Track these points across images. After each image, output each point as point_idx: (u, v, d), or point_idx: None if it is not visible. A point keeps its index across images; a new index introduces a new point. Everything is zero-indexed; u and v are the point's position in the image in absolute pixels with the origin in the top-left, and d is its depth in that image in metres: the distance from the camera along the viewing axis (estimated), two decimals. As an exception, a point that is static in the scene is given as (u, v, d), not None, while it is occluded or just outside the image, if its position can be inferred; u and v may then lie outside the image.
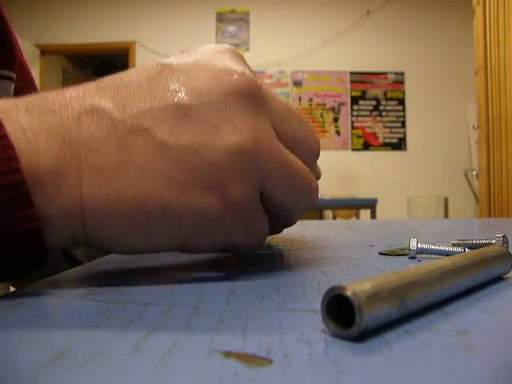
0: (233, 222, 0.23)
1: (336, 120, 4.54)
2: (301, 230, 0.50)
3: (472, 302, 0.19)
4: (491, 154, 2.28)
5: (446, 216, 3.81)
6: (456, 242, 0.33)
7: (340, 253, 0.33)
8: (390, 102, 4.57)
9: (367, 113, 4.57)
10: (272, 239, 0.42)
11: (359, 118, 4.56)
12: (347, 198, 3.76)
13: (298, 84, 4.55)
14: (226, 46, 0.25)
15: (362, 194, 4.23)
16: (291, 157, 0.24)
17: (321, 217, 4.32)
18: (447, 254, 0.28)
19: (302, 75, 4.55)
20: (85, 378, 0.11)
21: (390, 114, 4.57)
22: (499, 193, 2.23)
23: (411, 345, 0.13)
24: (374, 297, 0.14)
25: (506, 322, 0.16)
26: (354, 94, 4.57)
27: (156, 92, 0.21)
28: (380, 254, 0.32)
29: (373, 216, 3.31)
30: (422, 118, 4.52)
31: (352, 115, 4.55)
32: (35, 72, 4.43)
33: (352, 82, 4.56)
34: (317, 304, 0.17)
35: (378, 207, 3.44)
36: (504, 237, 0.30)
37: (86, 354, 0.12)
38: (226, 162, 0.21)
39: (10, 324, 0.16)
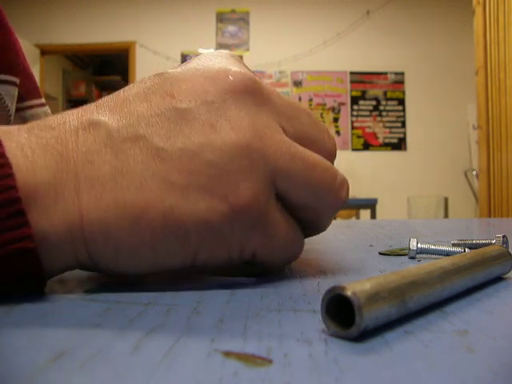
0: (244, 227, 0.21)
1: (336, 120, 4.54)
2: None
3: (472, 301, 0.19)
4: (491, 154, 2.28)
5: (446, 216, 3.81)
6: (456, 242, 0.33)
7: (340, 253, 0.33)
8: (389, 102, 4.57)
9: (367, 113, 4.57)
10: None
11: (359, 118, 4.56)
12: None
13: (298, 84, 4.55)
14: (224, 51, 0.25)
15: (362, 194, 4.22)
16: (304, 150, 0.22)
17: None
18: (447, 253, 0.28)
19: (302, 75, 4.55)
20: (85, 378, 0.11)
21: (390, 113, 4.57)
22: (499, 193, 2.23)
23: (411, 345, 0.13)
24: (374, 297, 0.14)
25: (506, 321, 0.16)
26: (354, 93, 4.57)
27: (152, 100, 0.21)
28: (380, 253, 0.32)
29: (373, 216, 3.31)
30: (422, 117, 4.52)
31: (352, 115, 4.55)
32: (35, 72, 4.43)
33: (352, 82, 4.56)
34: (317, 304, 0.17)
35: (378, 207, 3.43)
36: (504, 237, 0.30)
37: (85, 354, 0.12)
38: (226, 160, 0.20)
39: (10, 324, 0.16)
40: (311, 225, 0.25)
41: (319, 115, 4.50)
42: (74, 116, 0.21)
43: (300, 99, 4.52)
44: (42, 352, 0.13)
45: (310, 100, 4.54)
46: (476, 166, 3.21)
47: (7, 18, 0.44)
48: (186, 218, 0.20)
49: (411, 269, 0.17)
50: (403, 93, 4.56)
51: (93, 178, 0.19)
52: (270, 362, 0.12)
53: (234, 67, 0.23)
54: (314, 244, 0.39)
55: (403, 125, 4.55)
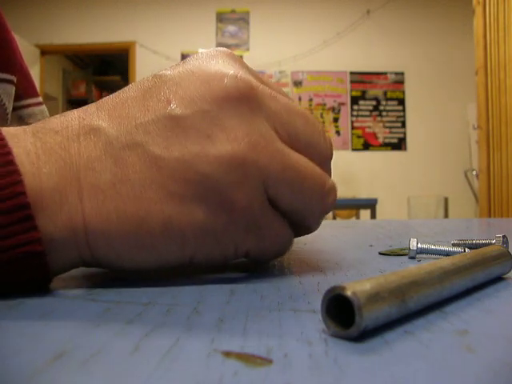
0: (238, 231, 0.22)
1: (336, 120, 4.54)
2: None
3: (472, 302, 0.19)
4: (491, 154, 2.28)
5: (446, 216, 3.81)
6: (456, 242, 0.33)
7: (340, 253, 0.33)
8: (389, 102, 4.57)
9: (367, 113, 4.57)
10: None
11: (359, 118, 4.55)
12: (347, 198, 3.75)
13: (298, 84, 4.55)
14: (222, 49, 0.25)
15: (362, 194, 4.23)
16: (297, 159, 0.23)
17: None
18: (447, 254, 0.28)
19: (302, 75, 4.55)
20: (85, 378, 0.11)
21: (389, 113, 4.57)
22: (499, 193, 2.23)
23: (411, 345, 0.13)
24: (374, 297, 0.14)
25: (506, 321, 0.16)
26: (354, 94, 4.57)
27: (149, 105, 0.22)
28: (380, 253, 0.32)
29: (373, 216, 3.31)
30: (422, 117, 4.52)
31: (352, 115, 4.55)
32: (35, 72, 4.44)
33: (352, 82, 4.56)
34: (317, 304, 0.17)
35: (378, 207, 3.44)
36: (504, 237, 0.30)
37: (86, 354, 0.12)
38: (221, 173, 0.21)
39: (10, 324, 0.16)
40: (300, 225, 0.26)
41: (319, 115, 4.50)
42: (75, 120, 0.22)
43: (300, 99, 4.52)
44: (41, 352, 0.13)
45: (310, 100, 4.54)
46: (476, 166, 3.21)
47: (4, 17, 0.44)
48: (184, 226, 0.21)
49: (411, 269, 0.17)
50: (403, 93, 4.56)
51: (94, 185, 0.20)
52: (270, 362, 0.12)
53: (231, 70, 0.23)
54: (314, 244, 0.39)
55: (403, 125, 4.55)
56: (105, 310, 0.17)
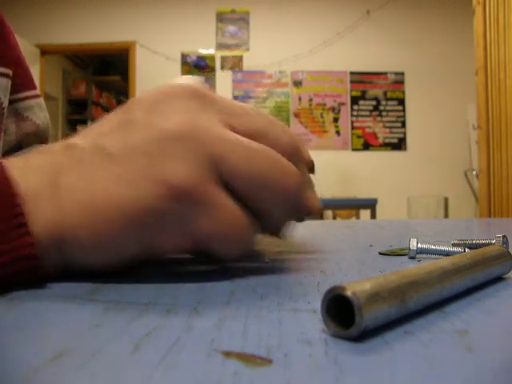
0: (187, 208, 0.22)
1: (336, 120, 4.54)
2: (301, 230, 0.50)
3: (472, 301, 0.19)
4: (491, 154, 2.28)
5: (446, 216, 3.81)
6: (456, 242, 0.33)
7: (340, 253, 0.33)
8: (390, 102, 4.57)
9: (367, 113, 4.57)
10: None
11: (359, 118, 4.56)
12: (347, 198, 3.76)
13: (297, 84, 4.55)
14: (192, 85, 0.25)
15: (362, 194, 4.23)
16: (249, 141, 0.23)
17: (321, 217, 4.32)
18: (447, 254, 0.28)
19: (302, 75, 4.55)
20: (85, 378, 0.11)
21: (390, 113, 4.57)
22: (499, 193, 2.23)
23: (411, 345, 0.13)
24: (374, 297, 0.14)
25: (506, 321, 0.16)
26: (354, 93, 4.57)
27: (113, 119, 0.25)
28: (380, 254, 0.32)
29: (373, 216, 3.32)
30: (422, 118, 4.52)
31: (352, 115, 4.55)
32: (35, 72, 4.43)
33: (352, 82, 4.56)
34: (317, 304, 0.17)
35: (378, 207, 3.44)
36: (504, 237, 0.30)
37: (86, 354, 0.12)
38: (161, 148, 0.22)
39: (10, 324, 0.16)
40: (265, 217, 0.24)
41: (319, 115, 4.51)
42: (58, 143, 0.25)
43: (300, 99, 4.52)
44: (41, 352, 0.13)
45: (310, 100, 4.54)
46: (476, 166, 3.21)
47: (1, 11, 0.44)
48: (134, 206, 0.22)
49: (411, 269, 0.17)
50: (403, 93, 4.56)
51: (66, 188, 0.23)
52: (270, 362, 0.12)
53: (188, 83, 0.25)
54: (314, 244, 0.39)
55: (403, 125, 4.55)
56: (105, 310, 0.17)
